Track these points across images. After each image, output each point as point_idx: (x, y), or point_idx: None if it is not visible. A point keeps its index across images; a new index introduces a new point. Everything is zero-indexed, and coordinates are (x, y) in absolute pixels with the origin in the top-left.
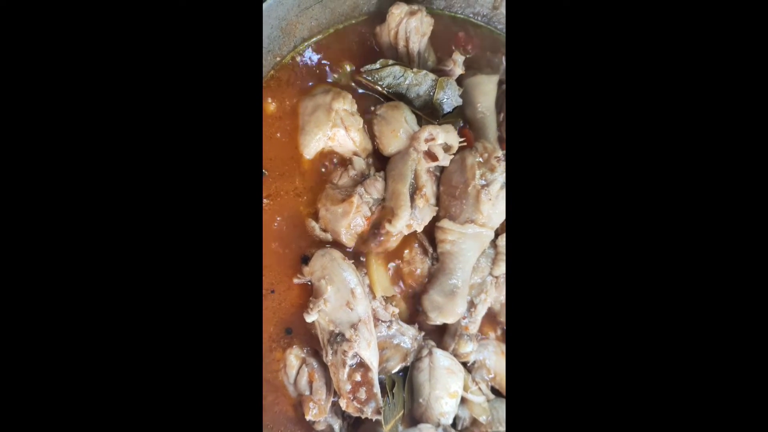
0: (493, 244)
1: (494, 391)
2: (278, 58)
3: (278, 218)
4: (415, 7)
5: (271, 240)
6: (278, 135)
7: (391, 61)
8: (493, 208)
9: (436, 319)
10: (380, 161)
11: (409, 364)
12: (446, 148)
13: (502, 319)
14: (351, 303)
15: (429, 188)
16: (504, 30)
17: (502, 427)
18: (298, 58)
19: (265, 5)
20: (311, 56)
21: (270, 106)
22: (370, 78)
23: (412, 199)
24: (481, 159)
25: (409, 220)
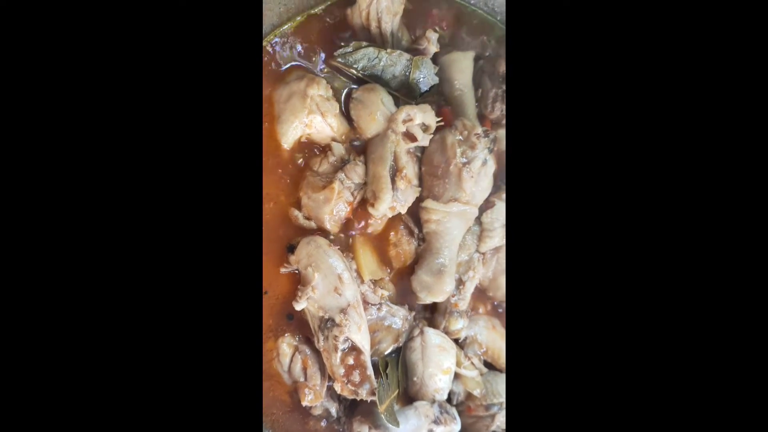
0: (478, 221)
1: (487, 364)
2: None
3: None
4: None
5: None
6: None
7: (364, 43)
8: (476, 185)
9: (426, 299)
10: (360, 147)
11: (401, 344)
12: (425, 128)
13: (491, 294)
14: (339, 288)
15: (410, 169)
16: (478, 6)
17: (497, 399)
18: (269, 48)
19: None
20: (282, 43)
21: None
22: (344, 61)
23: (393, 182)
24: (461, 137)
25: (392, 202)
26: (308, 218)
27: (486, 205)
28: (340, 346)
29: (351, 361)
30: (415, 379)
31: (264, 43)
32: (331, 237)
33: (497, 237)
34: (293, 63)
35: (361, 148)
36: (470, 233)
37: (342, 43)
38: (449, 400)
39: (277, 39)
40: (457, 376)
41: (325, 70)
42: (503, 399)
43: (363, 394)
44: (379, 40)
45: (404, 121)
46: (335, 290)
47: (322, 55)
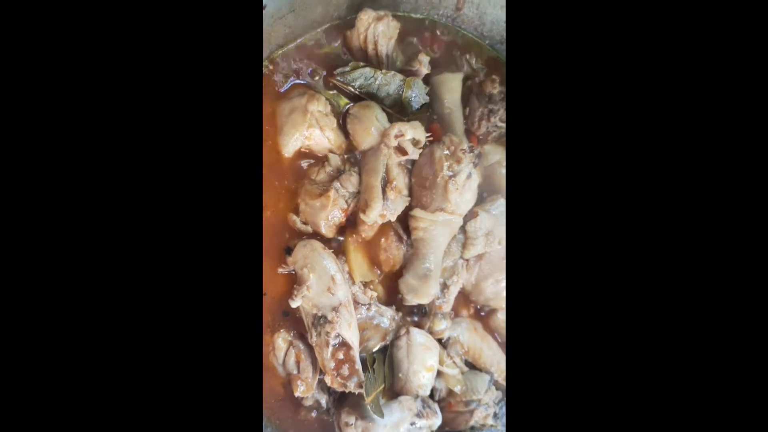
0: (462, 229)
1: (468, 364)
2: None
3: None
4: (381, 12)
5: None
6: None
7: (361, 64)
8: (461, 196)
9: (412, 300)
10: (354, 158)
11: (388, 342)
12: (415, 143)
13: (474, 298)
14: (332, 288)
15: (400, 180)
16: (468, 30)
17: (476, 396)
18: (272, 67)
19: None
20: (285, 62)
21: None
22: (342, 80)
23: (384, 191)
24: (448, 152)
25: (382, 210)
26: (305, 223)
27: (470, 215)
28: (332, 342)
29: (341, 355)
30: (400, 375)
31: (266, 63)
32: (326, 241)
33: (480, 245)
34: (296, 81)
35: (356, 160)
36: (455, 241)
37: (341, 63)
38: (431, 395)
39: (280, 58)
40: (439, 373)
41: (331, 85)
42: (482, 396)
43: (351, 386)
44: (375, 61)
45: (396, 136)
46: (328, 290)
47: (323, 73)
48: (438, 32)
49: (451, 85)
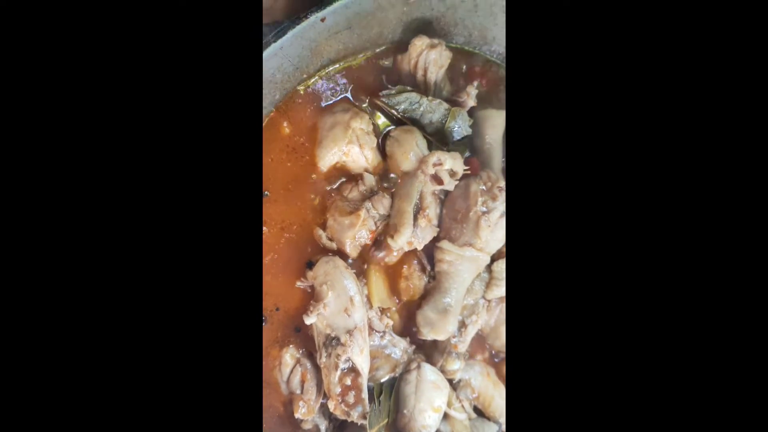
0: (488, 268)
1: (477, 410)
2: (305, 75)
3: (285, 236)
4: (435, 40)
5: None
6: (295, 153)
7: (408, 88)
8: (492, 234)
9: (428, 335)
10: (389, 181)
11: (397, 375)
12: (452, 174)
13: (491, 342)
14: (349, 309)
15: (432, 210)
16: None
17: None
18: (319, 83)
19: (299, 27)
20: (334, 78)
21: (285, 129)
22: (387, 101)
23: (415, 218)
24: (484, 187)
25: (410, 237)
26: (331, 239)
27: (498, 255)
28: (341, 365)
29: (348, 381)
30: (405, 411)
31: (318, 75)
32: (349, 261)
33: (504, 286)
34: (342, 96)
35: (390, 183)
36: (479, 279)
37: (389, 86)
38: None
39: (329, 73)
40: (446, 416)
41: (375, 106)
42: None
43: (354, 416)
44: (423, 88)
45: (434, 165)
46: (345, 311)
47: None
48: (487, 68)
49: (495, 122)
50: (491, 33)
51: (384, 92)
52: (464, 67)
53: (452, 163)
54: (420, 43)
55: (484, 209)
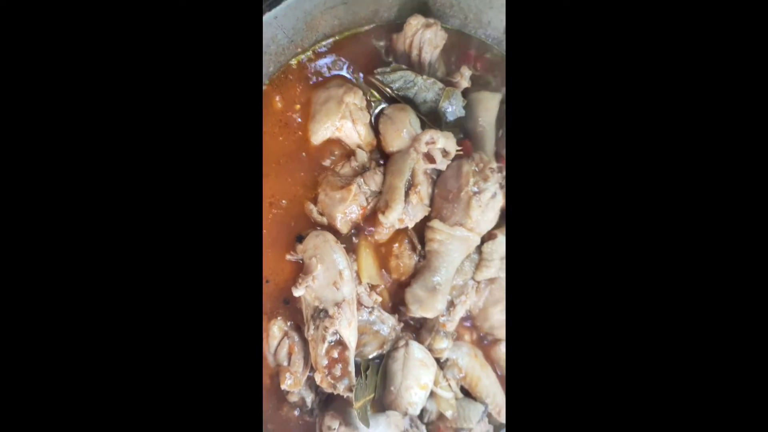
0: (479, 249)
1: (463, 390)
2: (299, 49)
3: (282, 202)
4: (431, 20)
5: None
6: (287, 127)
7: (403, 67)
8: (482, 214)
9: (416, 312)
10: (381, 158)
11: (385, 352)
12: (444, 153)
13: (479, 324)
14: (338, 283)
15: (424, 188)
16: None
17: (467, 425)
18: (313, 56)
19: None
20: (328, 54)
21: (278, 103)
22: (381, 79)
23: (407, 195)
24: (476, 168)
25: (401, 214)
26: (322, 214)
27: (488, 236)
28: (328, 338)
29: (335, 354)
30: (392, 388)
31: (312, 50)
32: (339, 236)
33: (494, 268)
34: (335, 73)
35: (382, 160)
36: (469, 260)
37: (389, 60)
38: (421, 417)
39: (324, 48)
40: (432, 394)
41: (369, 83)
42: (473, 426)
43: (341, 388)
44: (417, 68)
45: (427, 143)
46: (334, 284)
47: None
48: (483, 52)
49: (489, 105)
50: (486, 16)
51: (379, 70)
52: (459, 49)
53: (445, 142)
54: (415, 22)
55: (476, 189)
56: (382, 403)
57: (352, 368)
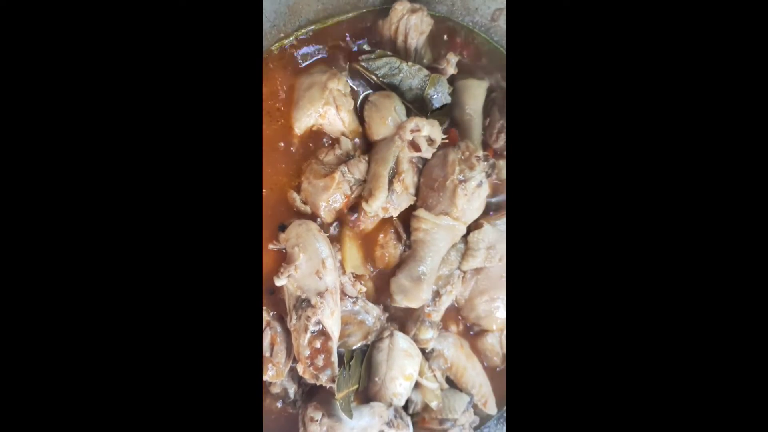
0: (464, 239)
1: (449, 381)
2: (282, 35)
3: (264, 191)
4: (417, 5)
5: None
6: (268, 116)
7: (388, 53)
8: (468, 203)
9: (401, 302)
10: (366, 146)
11: (369, 342)
12: (430, 142)
13: (465, 314)
14: (320, 272)
15: (409, 177)
16: (500, 43)
17: (452, 415)
18: (296, 42)
19: None
20: (312, 39)
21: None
22: (366, 66)
23: (391, 183)
24: (462, 156)
25: (386, 203)
26: (305, 203)
27: (474, 226)
28: (311, 327)
29: (318, 344)
30: (376, 379)
31: (296, 36)
32: (323, 226)
33: (480, 257)
34: (320, 57)
35: (367, 149)
36: (455, 250)
37: (367, 49)
38: (406, 408)
39: (306, 34)
40: (417, 385)
41: (354, 70)
42: (458, 416)
43: (323, 379)
44: (403, 54)
45: (412, 131)
46: (317, 273)
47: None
48: (470, 39)
49: (476, 92)
50: (473, 3)
51: (363, 56)
52: (445, 36)
53: (430, 130)
54: (401, 7)
55: (462, 178)
56: (367, 395)
57: (334, 358)
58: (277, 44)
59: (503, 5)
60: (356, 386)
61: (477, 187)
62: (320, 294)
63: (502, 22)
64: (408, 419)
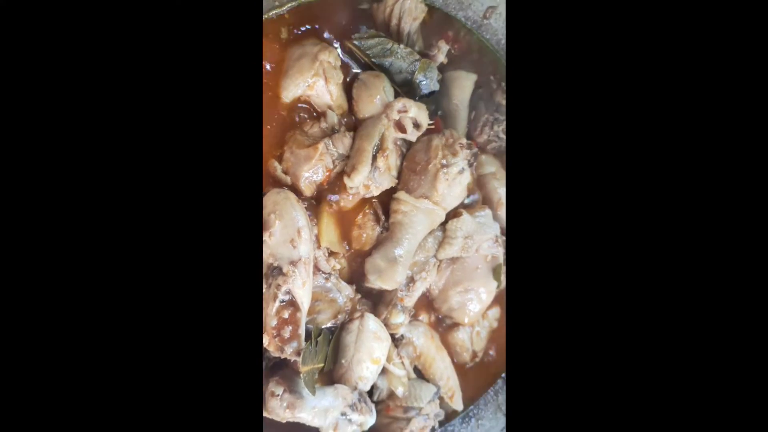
0: (443, 227)
1: (416, 371)
2: (276, 2)
3: None
4: None
5: None
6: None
7: (382, 34)
8: (449, 188)
9: (375, 282)
10: (352, 124)
11: (339, 323)
12: (416, 125)
13: (437, 305)
14: (295, 241)
15: (392, 157)
16: (490, 41)
17: (417, 404)
18: (288, 17)
19: None
20: (305, 14)
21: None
22: (358, 44)
23: (374, 159)
24: (446, 143)
25: (367, 180)
26: (285, 173)
27: (453, 214)
28: (280, 296)
29: (286, 315)
30: (343, 361)
31: (289, 8)
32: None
33: (457, 246)
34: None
35: (353, 127)
36: (433, 237)
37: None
38: (371, 394)
39: (300, 8)
40: (384, 372)
41: (346, 48)
42: (424, 405)
43: (288, 351)
44: (396, 37)
45: (399, 111)
46: (291, 242)
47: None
48: (461, 34)
49: (464, 84)
50: None
51: (356, 35)
52: (437, 29)
53: (417, 112)
54: None
55: (444, 162)
56: (333, 378)
57: (302, 331)
58: (268, 13)
59: (496, 3)
60: (321, 365)
61: (458, 173)
62: (293, 263)
63: (493, 21)
64: (372, 405)
